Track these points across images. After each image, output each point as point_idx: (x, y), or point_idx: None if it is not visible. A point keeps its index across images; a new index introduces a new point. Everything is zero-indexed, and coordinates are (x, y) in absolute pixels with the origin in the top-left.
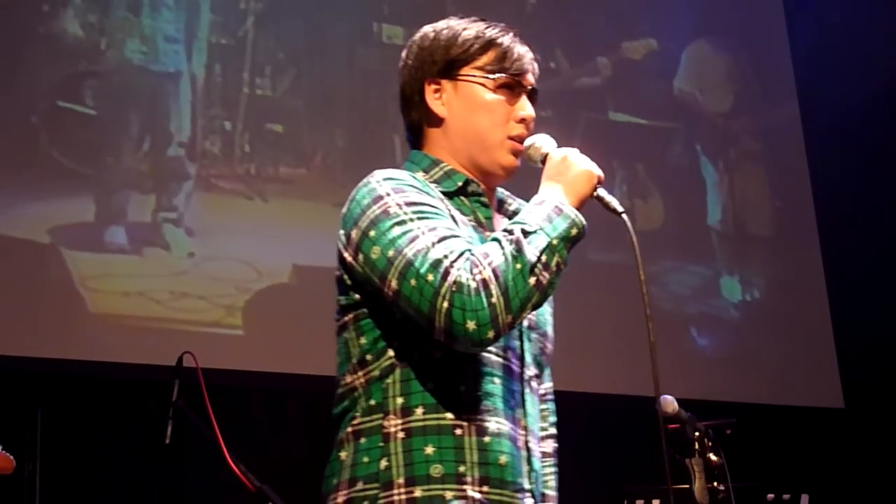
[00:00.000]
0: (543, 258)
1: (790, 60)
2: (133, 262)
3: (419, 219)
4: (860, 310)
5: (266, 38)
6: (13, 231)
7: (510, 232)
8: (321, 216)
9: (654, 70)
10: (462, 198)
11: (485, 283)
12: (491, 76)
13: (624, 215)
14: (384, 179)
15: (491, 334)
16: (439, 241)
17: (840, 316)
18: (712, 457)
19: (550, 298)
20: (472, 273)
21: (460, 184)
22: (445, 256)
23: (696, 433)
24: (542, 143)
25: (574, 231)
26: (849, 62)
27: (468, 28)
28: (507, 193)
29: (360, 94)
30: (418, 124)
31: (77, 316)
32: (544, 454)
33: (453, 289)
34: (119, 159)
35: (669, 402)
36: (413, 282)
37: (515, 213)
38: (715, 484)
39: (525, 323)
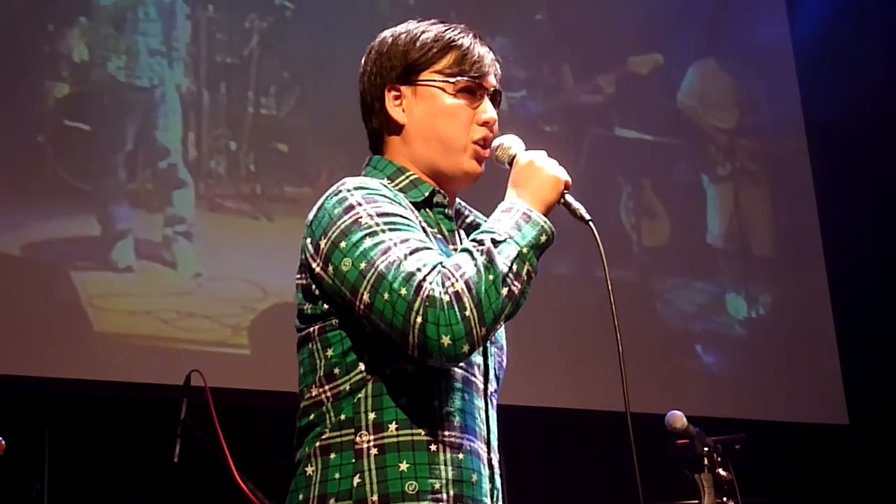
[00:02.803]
0: (514, 267)
1: (796, 78)
2: (139, 281)
3: (391, 230)
4: (864, 327)
5: (271, 57)
6: (20, 250)
7: (480, 242)
8: None
9: (659, 86)
10: (427, 209)
11: (458, 296)
12: (451, 80)
13: (591, 223)
14: (355, 188)
15: (466, 349)
16: (411, 252)
17: (844, 333)
18: (721, 472)
19: None
20: (444, 286)
21: (427, 194)
22: (418, 270)
23: (705, 448)
24: (510, 143)
25: (543, 238)
26: (855, 81)
27: (427, 31)
28: (464, 204)
29: None
30: (379, 131)
31: (84, 335)
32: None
33: (426, 303)
34: (124, 178)
35: (678, 418)
36: (386, 296)
37: (472, 224)
38: (724, 499)
39: None
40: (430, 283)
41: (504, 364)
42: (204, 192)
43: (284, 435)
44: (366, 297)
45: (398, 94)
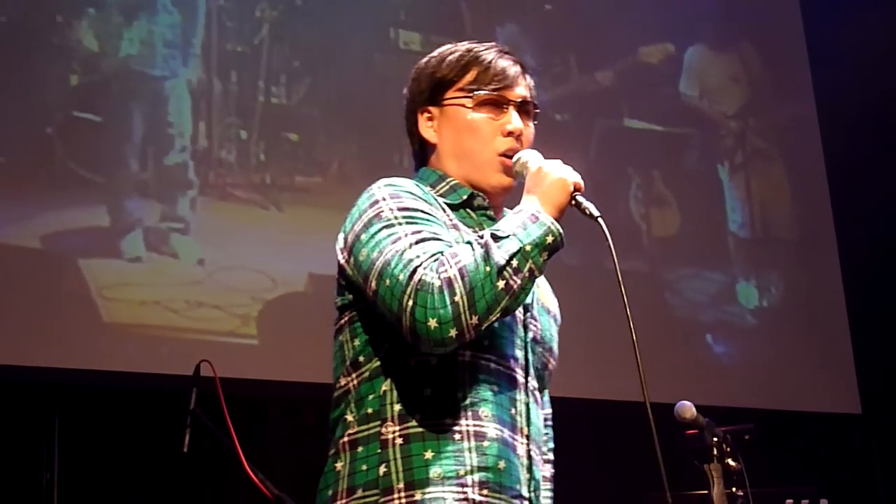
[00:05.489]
0: (514, 263)
1: (806, 58)
2: (149, 271)
3: (407, 223)
4: (877, 315)
5: (281, 46)
6: (30, 241)
7: (481, 236)
8: (337, 225)
9: (668, 76)
10: (468, 210)
11: (449, 281)
12: (470, 94)
13: (600, 219)
14: (384, 185)
15: (453, 333)
16: (417, 242)
17: (857, 321)
18: (731, 462)
19: (558, 314)
20: (437, 272)
21: (465, 197)
22: (417, 256)
23: (715, 438)
24: (528, 158)
25: (550, 238)
26: (866, 60)
27: (454, 51)
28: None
29: (376, 101)
30: (419, 153)
31: (94, 325)
32: (543, 478)
33: (418, 287)
34: (133, 168)
35: (688, 408)
36: (387, 281)
37: None
38: (734, 489)
39: (530, 335)
40: (425, 269)
41: (549, 366)
42: (214, 181)
43: (293, 424)
44: (373, 283)
45: (429, 115)
